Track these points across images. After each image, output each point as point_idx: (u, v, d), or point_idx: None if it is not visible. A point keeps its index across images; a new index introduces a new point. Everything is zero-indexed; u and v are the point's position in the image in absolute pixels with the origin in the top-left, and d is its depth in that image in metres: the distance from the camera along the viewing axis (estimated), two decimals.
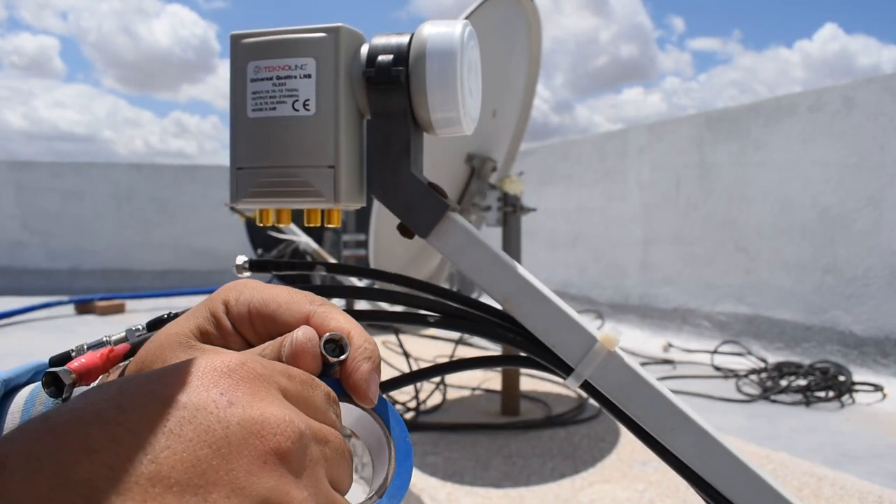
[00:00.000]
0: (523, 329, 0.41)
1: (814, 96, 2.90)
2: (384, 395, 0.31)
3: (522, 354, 0.41)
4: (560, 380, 1.67)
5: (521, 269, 0.39)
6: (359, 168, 0.39)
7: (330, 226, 0.40)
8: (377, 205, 1.90)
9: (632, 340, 3.59)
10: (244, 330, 0.31)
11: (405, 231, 0.40)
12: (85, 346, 0.34)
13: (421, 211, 0.39)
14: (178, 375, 0.23)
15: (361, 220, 3.25)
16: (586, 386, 0.40)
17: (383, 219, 2.00)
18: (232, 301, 0.31)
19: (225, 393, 0.22)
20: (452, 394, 2.18)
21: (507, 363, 0.44)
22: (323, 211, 0.39)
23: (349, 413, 0.30)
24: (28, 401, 0.34)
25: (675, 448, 0.41)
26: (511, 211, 1.91)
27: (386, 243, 2.05)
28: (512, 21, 1.92)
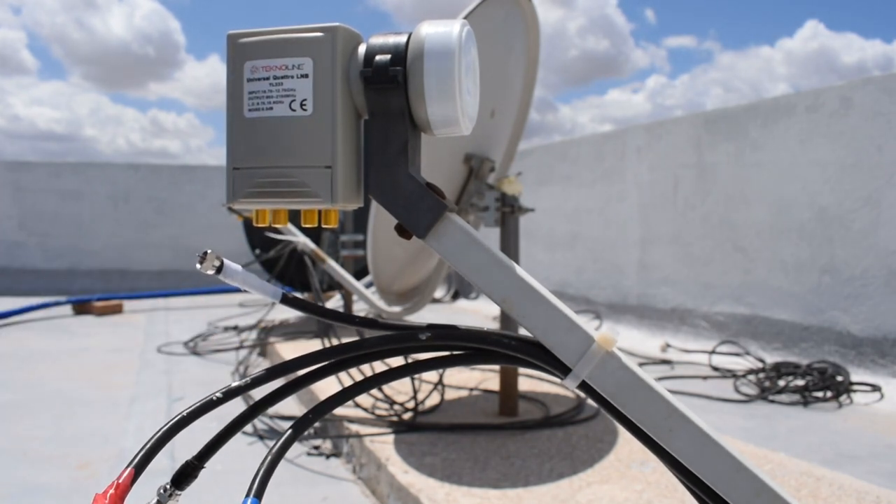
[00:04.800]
0: (515, 346, 0.41)
1: (811, 97, 2.90)
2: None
3: (521, 358, 0.41)
4: (558, 380, 1.67)
5: (519, 270, 0.39)
6: (356, 168, 0.39)
7: (327, 226, 0.40)
8: (375, 205, 1.90)
9: (630, 340, 3.59)
10: None
11: (403, 232, 0.40)
12: None
13: (419, 211, 0.38)
14: None
15: (359, 220, 3.25)
16: (584, 386, 0.40)
17: (381, 219, 2.00)
18: None
19: None
20: (450, 394, 2.18)
21: (506, 361, 0.43)
22: (320, 211, 0.39)
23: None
24: None
25: (674, 448, 0.40)
26: (509, 211, 1.91)
27: (384, 244, 2.05)
28: (510, 21, 1.92)
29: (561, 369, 0.40)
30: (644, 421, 0.40)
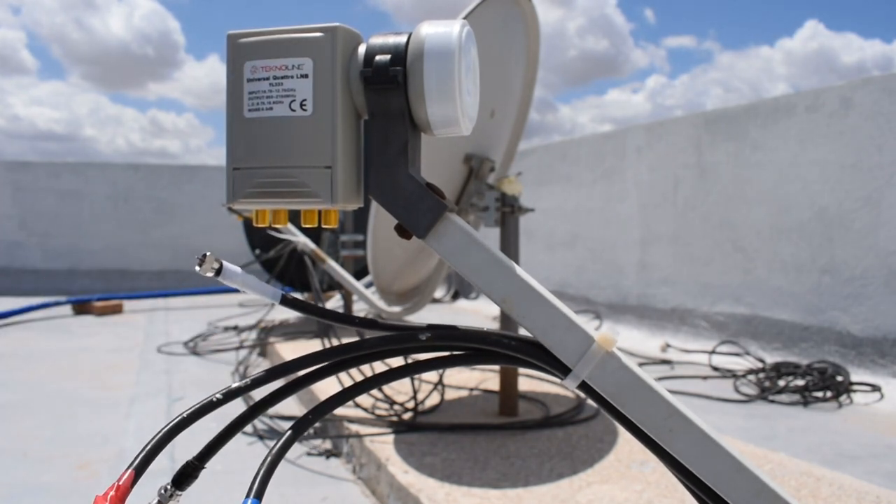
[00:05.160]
0: (515, 346, 0.41)
1: (811, 96, 2.90)
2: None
3: (521, 358, 0.41)
4: (559, 380, 1.66)
5: (519, 270, 0.39)
6: (356, 168, 0.39)
7: (327, 226, 0.40)
8: (375, 205, 1.90)
9: (630, 340, 3.59)
10: None
11: (403, 232, 0.40)
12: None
13: (419, 212, 0.38)
14: None
15: (359, 220, 3.25)
16: (584, 386, 0.40)
17: (381, 219, 2.00)
18: None
19: None
20: (450, 394, 2.18)
21: (506, 361, 0.44)
22: (320, 211, 0.39)
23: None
24: None
25: (674, 449, 0.40)
26: (509, 211, 1.91)
27: (384, 244, 2.05)
28: (510, 21, 1.92)
29: (561, 369, 0.40)
30: (644, 421, 0.40)
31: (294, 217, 0.41)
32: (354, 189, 0.39)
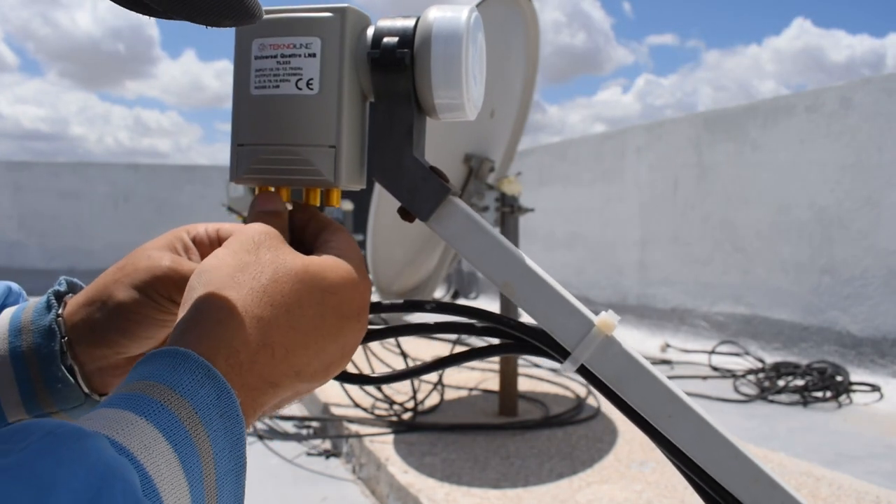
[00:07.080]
0: (515, 328, 0.41)
1: (811, 97, 2.90)
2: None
3: (520, 337, 0.41)
4: (558, 380, 1.67)
5: (521, 254, 0.39)
6: (360, 149, 0.39)
7: (329, 206, 0.40)
8: (375, 206, 1.90)
9: (629, 340, 3.57)
10: (204, 251, 0.41)
11: (406, 215, 0.40)
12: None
13: (422, 194, 0.39)
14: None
15: (359, 220, 3.25)
16: (584, 371, 0.40)
17: (381, 220, 2.00)
18: (192, 230, 0.43)
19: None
20: (450, 394, 2.18)
21: (504, 350, 0.44)
22: (322, 191, 0.39)
23: None
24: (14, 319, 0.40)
25: (672, 435, 0.41)
26: (509, 211, 1.91)
27: (384, 244, 2.05)
28: (510, 22, 1.93)
29: (561, 353, 0.40)
30: (643, 406, 0.40)
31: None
32: (358, 170, 0.40)
